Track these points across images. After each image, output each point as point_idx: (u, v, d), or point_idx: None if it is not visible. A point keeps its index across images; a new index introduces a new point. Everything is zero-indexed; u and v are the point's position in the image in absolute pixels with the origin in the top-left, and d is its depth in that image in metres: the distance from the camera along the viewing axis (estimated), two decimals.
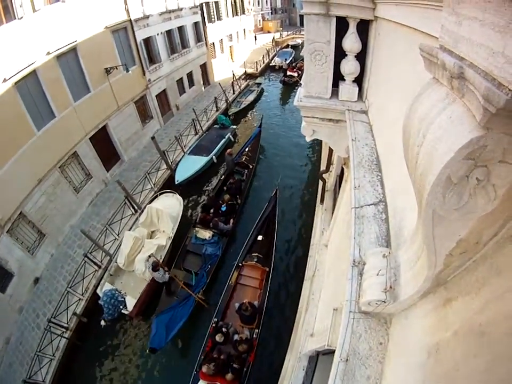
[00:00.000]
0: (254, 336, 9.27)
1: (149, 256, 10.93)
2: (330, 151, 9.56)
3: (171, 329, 9.54)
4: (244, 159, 17.18)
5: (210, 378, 8.35)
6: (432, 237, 1.40)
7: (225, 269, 12.06)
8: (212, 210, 13.51)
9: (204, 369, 8.30)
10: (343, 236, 5.15)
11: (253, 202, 15.34)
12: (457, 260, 1.45)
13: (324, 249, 8.41)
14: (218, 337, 8.87)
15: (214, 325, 9.43)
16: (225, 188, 14.95)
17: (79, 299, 10.99)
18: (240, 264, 11.19)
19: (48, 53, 12.75)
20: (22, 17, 11.46)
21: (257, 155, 18.26)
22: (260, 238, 12.02)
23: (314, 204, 12.94)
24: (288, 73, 30.03)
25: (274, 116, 24.54)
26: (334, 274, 5.57)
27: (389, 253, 2.28)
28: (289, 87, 28.80)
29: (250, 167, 16.78)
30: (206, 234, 12.47)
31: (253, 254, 11.45)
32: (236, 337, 8.95)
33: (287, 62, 34.07)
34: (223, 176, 16.07)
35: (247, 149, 17.78)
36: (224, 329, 9.10)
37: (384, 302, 2.01)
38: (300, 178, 17.11)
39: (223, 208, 13.40)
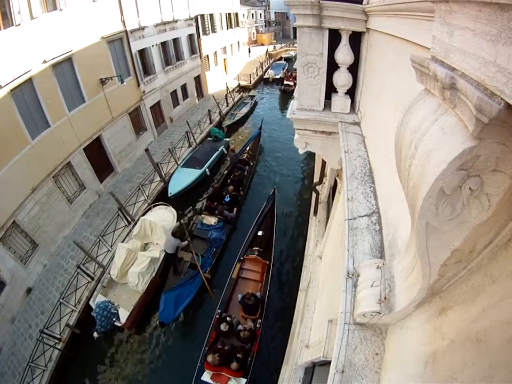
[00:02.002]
0: (257, 326, 9.63)
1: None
2: (324, 163, 9.60)
3: (178, 306, 10.33)
4: (245, 156, 18.90)
5: (215, 368, 8.58)
6: (426, 248, 1.39)
7: (228, 252, 13.20)
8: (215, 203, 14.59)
9: (209, 358, 8.52)
10: (337, 247, 5.15)
11: (254, 195, 16.75)
12: (452, 270, 1.45)
13: (318, 260, 8.41)
14: (223, 326, 9.19)
15: (217, 316, 9.77)
16: (228, 181, 16.38)
17: (72, 310, 10.85)
18: (241, 258, 11.71)
19: (44, 61, 12.78)
20: (19, 24, 11.50)
21: (257, 154, 20.03)
22: (260, 233, 12.70)
23: (308, 215, 13.04)
24: (285, 82, 32.07)
25: (273, 123, 25.39)
26: (328, 286, 5.55)
27: (383, 264, 2.27)
28: (287, 94, 29.71)
29: (251, 164, 18.40)
30: (211, 220, 13.56)
31: (253, 248, 12.07)
32: (240, 327, 9.40)
33: (279, 76, 35.91)
34: (226, 171, 17.52)
35: (248, 148, 19.61)
36: (228, 319, 9.51)
37: (379, 313, 2.00)
38: (296, 176, 18.64)
39: (227, 199, 14.75)
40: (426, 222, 1.29)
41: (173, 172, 17.29)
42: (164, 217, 13.43)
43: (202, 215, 13.98)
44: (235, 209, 14.48)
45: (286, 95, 30.06)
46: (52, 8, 13.13)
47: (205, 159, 17.99)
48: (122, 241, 12.80)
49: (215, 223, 13.43)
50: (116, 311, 10.40)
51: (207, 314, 10.60)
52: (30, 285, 12.23)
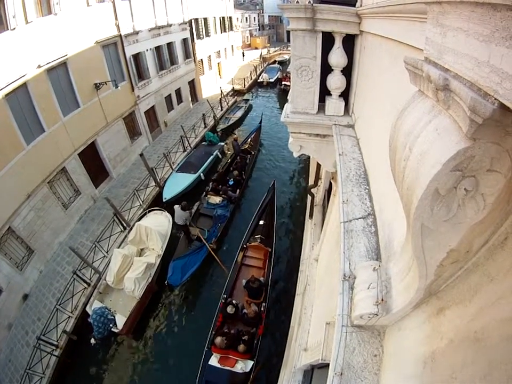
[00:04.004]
0: (262, 309, 10.07)
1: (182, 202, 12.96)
2: (318, 165, 9.60)
3: (185, 272, 11.35)
4: (247, 146, 20.48)
5: (222, 351, 8.92)
6: (422, 249, 1.39)
7: (232, 228, 14.95)
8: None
9: (218, 340, 8.89)
10: (332, 250, 5.14)
11: (256, 184, 18.39)
12: (449, 270, 1.45)
13: (314, 263, 8.40)
14: (230, 309, 9.60)
15: (223, 300, 10.19)
16: (231, 169, 17.77)
17: (69, 317, 10.77)
18: (244, 246, 12.32)
19: (39, 66, 12.73)
20: (14, 28, 11.47)
21: (258, 145, 21.90)
22: (261, 222, 13.46)
23: (303, 218, 13.14)
24: (283, 82, 33.35)
25: (274, 123, 26.11)
26: (325, 288, 5.54)
27: (379, 265, 2.27)
28: (286, 93, 29.96)
29: (253, 153, 20.13)
30: (216, 199, 14.97)
31: (256, 236, 12.74)
32: (245, 311, 9.82)
33: (273, 79, 37.32)
34: (229, 159, 19.05)
35: (249, 140, 21.15)
36: (234, 302, 10.00)
37: (377, 314, 2.00)
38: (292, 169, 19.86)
39: (231, 182, 16.37)
40: (422, 224, 1.29)
41: (168, 177, 17.26)
42: (159, 223, 13.42)
43: (208, 195, 15.26)
44: (238, 190, 16.12)
45: (285, 94, 30.11)
46: (46, 12, 13.10)
47: (199, 163, 18.02)
48: (118, 247, 12.73)
49: (220, 201, 14.83)
50: (112, 317, 10.34)
51: (210, 302, 11.05)
52: (27, 291, 12.13)
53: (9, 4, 11.20)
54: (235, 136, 20.60)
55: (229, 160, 19.05)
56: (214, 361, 8.90)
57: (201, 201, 15.29)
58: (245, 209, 16.06)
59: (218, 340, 8.88)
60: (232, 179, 16.57)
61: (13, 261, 11.84)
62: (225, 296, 10.39)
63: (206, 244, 12.25)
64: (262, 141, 23.06)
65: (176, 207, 12.79)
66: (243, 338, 9.08)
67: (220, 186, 15.83)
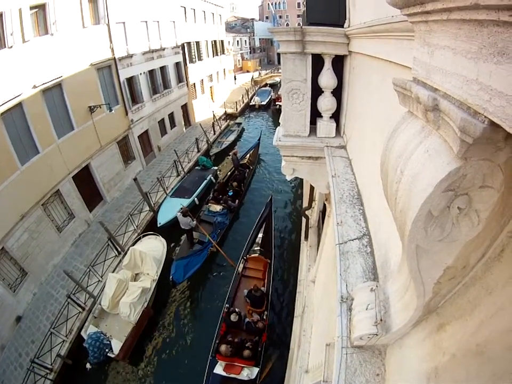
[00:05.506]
0: (264, 318, 10.28)
1: (181, 205, 14.40)
2: (312, 187, 9.62)
3: (187, 271, 11.97)
4: (246, 161, 21.68)
5: (227, 359, 8.99)
6: (418, 269, 1.38)
7: (231, 235, 15.94)
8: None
9: (223, 348, 8.94)
10: (329, 271, 5.10)
11: (254, 197, 19.32)
12: (447, 286, 1.44)
13: (312, 285, 8.36)
14: (233, 317, 9.77)
15: (226, 310, 10.31)
16: (231, 180, 18.82)
17: (63, 340, 10.56)
18: (244, 258, 12.67)
19: (35, 86, 12.84)
20: (11, 46, 11.64)
21: (257, 160, 23.18)
22: (260, 235, 14.19)
23: (300, 231, 13.26)
24: (277, 102, 34.07)
25: (269, 143, 25.85)
26: (323, 310, 5.48)
27: (377, 286, 2.25)
28: (280, 113, 31.17)
29: (251, 167, 21.35)
30: (217, 207, 16.08)
31: (255, 248, 13.47)
32: (247, 320, 9.99)
33: (265, 102, 38.22)
34: (229, 172, 20.20)
35: (248, 155, 22.29)
36: (237, 310, 10.18)
37: (376, 334, 1.97)
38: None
39: (230, 193, 17.44)
40: (416, 245, 1.28)
41: (162, 202, 17.27)
42: (153, 247, 13.35)
43: (209, 204, 16.39)
44: (237, 200, 17.24)
45: (279, 114, 31.10)
46: (43, 32, 13.40)
47: (193, 188, 18.10)
48: (113, 271, 12.61)
49: (220, 209, 15.88)
50: (108, 342, 10.19)
51: (208, 322, 11.19)
52: (20, 313, 11.94)
53: (8, 21, 11.45)
54: (235, 150, 21.46)
55: (229, 172, 20.23)
56: (219, 369, 8.96)
57: (202, 209, 16.36)
58: (243, 219, 17.17)
59: (223, 347, 8.93)
60: (231, 190, 17.70)
61: (6, 281, 11.70)
62: (227, 305, 10.55)
63: (211, 241, 13.42)
64: (260, 156, 24.30)
65: (178, 214, 13.78)
66: (247, 345, 9.18)
67: (221, 196, 16.96)
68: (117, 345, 10.13)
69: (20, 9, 12.07)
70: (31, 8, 12.72)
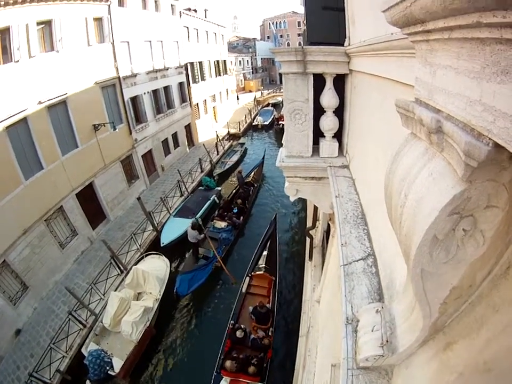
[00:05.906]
0: (269, 334, 10.36)
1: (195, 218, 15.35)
2: (316, 207, 9.58)
3: (192, 285, 12.24)
4: (250, 179, 22.04)
5: (232, 374, 8.99)
6: (423, 292, 1.36)
7: (236, 251, 16.12)
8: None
9: (228, 363, 8.95)
10: (334, 291, 5.03)
11: (258, 214, 19.64)
12: (453, 306, 1.42)
13: (316, 305, 8.26)
14: (239, 333, 9.83)
15: (231, 326, 10.41)
16: (235, 198, 19.18)
17: (63, 356, 10.42)
18: (249, 275, 12.78)
19: (40, 102, 13.01)
20: (18, 61, 11.86)
21: (261, 178, 23.57)
22: (265, 253, 14.12)
23: (303, 258, 13.22)
24: (280, 122, 34.28)
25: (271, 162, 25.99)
26: (328, 330, 5.40)
27: (382, 307, 2.23)
28: (283, 132, 31.61)
29: (255, 185, 21.74)
30: (222, 224, 16.41)
31: (260, 266, 13.36)
32: (253, 336, 9.98)
33: (268, 122, 38.39)
34: (234, 190, 20.60)
35: (252, 173, 22.72)
36: (243, 326, 10.27)
37: (383, 356, 1.94)
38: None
39: (235, 210, 17.79)
40: (422, 269, 1.27)
41: (165, 221, 17.25)
42: (156, 267, 13.32)
43: (214, 221, 16.86)
44: (241, 217, 17.52)
45: (282, 133, 31.48)
46: (49, 48, 13.68)
47: (197, 208, 18.09)
48: (115, 290, 12.53)
49: (225, 226, 16.20)
50: (109, 360, 10.06)
51: (210, 341, 11.00)
52: (19, 326, 11.88)
53: (15, 36, 11.71)
54: (240, 168, 22.16)
55: (234, 190, 20.66)
56: None
57: (208, 226, 16.50)
58: (247, 235, 17.48)
59: (228, 363, 8.94)
60: (236, 207, 18.02)
61: (6, 294, 11.70)
62: (232, 322, 10.63)
63: (216, 255, 13.58)
64: (264, 174, 24.65)
65: (189, 225, 14.43)
66: (252, 362, 9.15)
67: (226, 213, 17.45)
68: (118, 364, 10.01)
69: (27, 24, 12.35)
70: (38, 24, 13.04)
